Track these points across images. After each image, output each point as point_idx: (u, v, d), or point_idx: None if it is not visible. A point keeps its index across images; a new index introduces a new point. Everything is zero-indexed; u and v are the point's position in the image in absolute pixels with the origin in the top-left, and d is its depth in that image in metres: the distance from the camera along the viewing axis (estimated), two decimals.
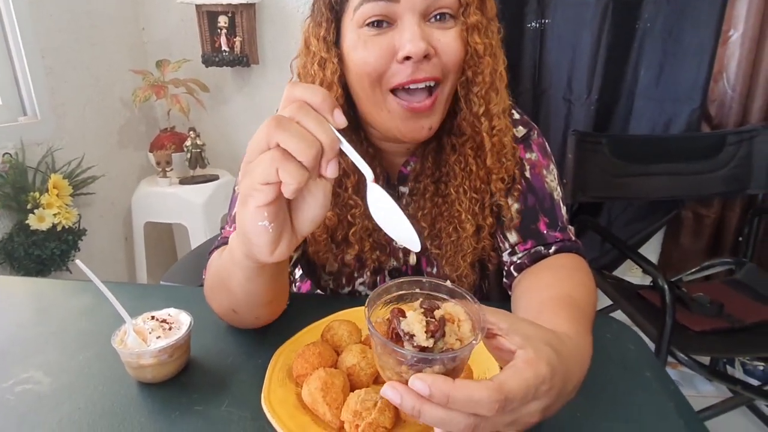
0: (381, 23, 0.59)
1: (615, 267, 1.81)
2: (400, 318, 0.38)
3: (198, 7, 1.79)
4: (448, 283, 0.43)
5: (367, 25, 0.59)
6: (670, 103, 1.64)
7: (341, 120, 0.41)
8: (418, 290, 0.43)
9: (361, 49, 0.60)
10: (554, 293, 0.57)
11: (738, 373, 1.73)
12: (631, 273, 1.94)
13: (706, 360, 1.53)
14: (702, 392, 1.70)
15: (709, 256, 1.72)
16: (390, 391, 0.36)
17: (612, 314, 1.53)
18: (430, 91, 0.61)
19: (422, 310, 0.39)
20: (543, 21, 1.70)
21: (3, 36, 1.51)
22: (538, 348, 0.38)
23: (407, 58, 0.57)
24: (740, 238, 1.64)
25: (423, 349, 0.37)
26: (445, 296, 0.43)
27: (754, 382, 1.64)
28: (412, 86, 0.59)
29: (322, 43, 0.63)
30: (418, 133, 0.62)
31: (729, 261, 1.64)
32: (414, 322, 0.38)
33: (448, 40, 0.59)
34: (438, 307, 0.40)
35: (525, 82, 1.77)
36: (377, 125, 0.65)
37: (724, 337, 1.27)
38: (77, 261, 0.58)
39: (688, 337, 1.26)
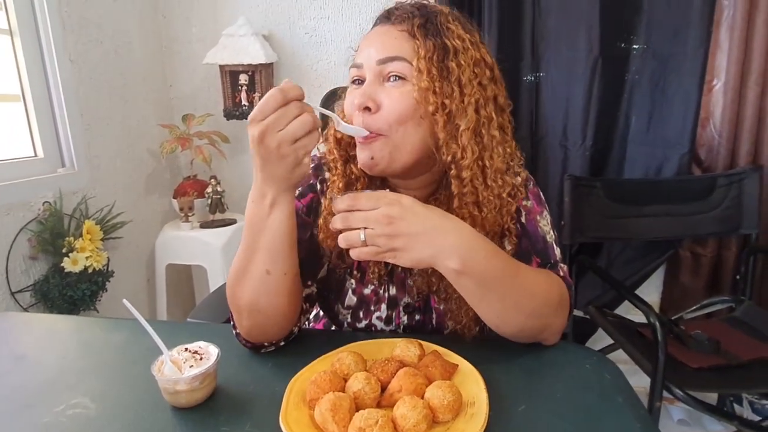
0: (359, 81, 0.75)
1: (617, 305, 1.85)
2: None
3: (221, 67, 1.97)
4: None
5: (352, 81, 0.76)
6: (661, 149, 1.73)
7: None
8: None
9: (347, 96, 0.77)
10: None
11: (746, 411, 1.74)
12: (634, 311, 1.97)
13: (707, 397, 1.55)
14: (710, 431, 1.70)
15: (709, 294, 1.76)
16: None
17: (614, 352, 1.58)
18: None
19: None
20: (537, 74, 1.83)
21: (48, 97, 1.68)
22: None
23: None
24: (738, 277, 1.69)
25: None
26: None
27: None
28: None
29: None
30: (365, 161, 0.73)
31: (728, 299, 1.68)
32: None
33: (391, 98, 0.71)
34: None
35: (523, 130, 1.88)
36: None
37: (721, 374, 1.31)
38: (124, 301, 0.67)
39: (685, 373, 1.30)
